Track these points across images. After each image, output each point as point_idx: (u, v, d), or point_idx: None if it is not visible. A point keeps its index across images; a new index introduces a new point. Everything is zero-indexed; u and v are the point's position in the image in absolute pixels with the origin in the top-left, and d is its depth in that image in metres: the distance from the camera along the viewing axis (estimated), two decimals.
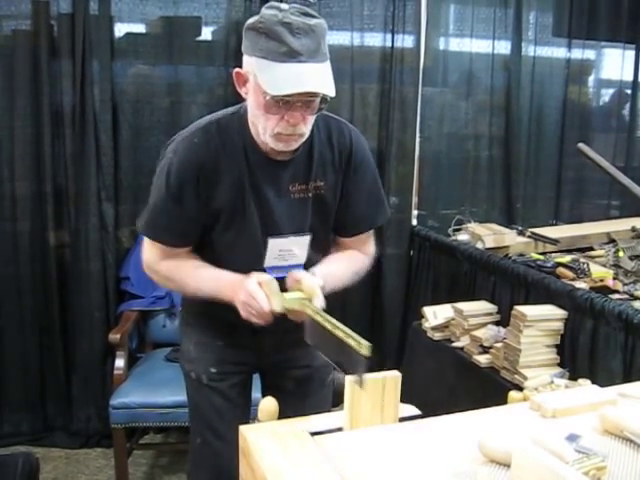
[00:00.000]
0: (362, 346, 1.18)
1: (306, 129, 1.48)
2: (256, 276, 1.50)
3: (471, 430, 1.13)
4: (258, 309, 1.47)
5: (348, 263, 1.69)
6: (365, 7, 3.28)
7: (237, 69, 1.49)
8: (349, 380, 1.16)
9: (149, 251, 1.64)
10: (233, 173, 1.54)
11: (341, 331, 1.25)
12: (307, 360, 1.77)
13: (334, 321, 1.30)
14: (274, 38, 1.36)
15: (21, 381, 3.05)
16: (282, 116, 1.42)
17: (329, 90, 1.40)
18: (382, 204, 1.74)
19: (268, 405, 1.25)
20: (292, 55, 1.35)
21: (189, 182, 1.53)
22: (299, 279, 1.50)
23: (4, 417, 3.06)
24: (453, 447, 1.08)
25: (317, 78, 1.38)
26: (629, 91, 4.01)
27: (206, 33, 3.13)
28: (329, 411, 1.88)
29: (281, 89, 1.36)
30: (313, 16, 1.40)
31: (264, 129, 1.46)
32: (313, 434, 1.12)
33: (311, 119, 1.48)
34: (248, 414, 1.82)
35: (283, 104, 1.40)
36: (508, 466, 1.00)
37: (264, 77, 1.38)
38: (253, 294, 1.46)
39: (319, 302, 1.45)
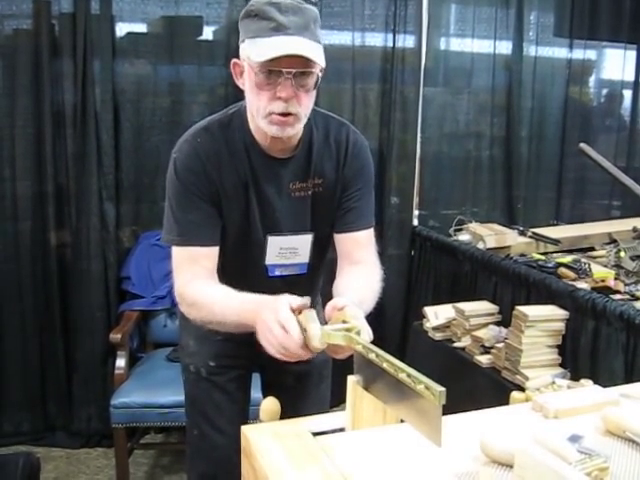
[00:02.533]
0: (435, 393, 0.93)
1: (300, 109, 1.44)
2: (287, 300, 1.28)
3: (473, 430, 1.12)
4: (290, 346, 1.23)
5: (368, 286, 1.55)
6: (366, 7, 3.28)
7: (234, 60, 1.49)
8: (351, 380, 1.15)
9: (178, 277, 1.55)
10: (236, 170, 1.54)
11: (405, 373, 1.00)
12: None
13: (395, 360, 1.05)
14: (263, 17, 1.37)
15: (22, 381, 3.04)
16: (274, 93, 1.41)
17: (315, 55, 1.38)
18: (372, 208, 1.70)
19: (270, 405, 1.25)
20: (279, 29, 1.36)
21: (197, 170, 1.52)
22: (342, 307, 1.29)
23: (5, 417, 3.05)
24: (455, 447, 1.07)
25: (303, 46, 1.37)
26: (630, 91, 4.01)
27: (207, 33, 3.13)
28: (328, 407, 1.89)
29: (267, 54, 1.36)
30: (305, 1, 1.42)
31: (257, 110, 1.45)
32: (315, 434, 1.12)
33: (305, 100, 1.45)
34: (247, 410, 1.83)
35: (273, 76, 1.39)
36: (510, 467, 0.99)
37: (253, 52, 1.39)
38: (286, 325, 1.23)
39: (367, 335, 1.23)
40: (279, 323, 1.24)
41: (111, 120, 2.95)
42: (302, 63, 1.38)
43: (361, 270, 1.60)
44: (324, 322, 1.30)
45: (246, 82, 1.46)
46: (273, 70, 1.38)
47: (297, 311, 1.26)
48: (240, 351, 1.71)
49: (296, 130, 1.49)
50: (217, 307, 1.47)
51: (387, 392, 1.07)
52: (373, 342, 1.18)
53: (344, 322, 1.25)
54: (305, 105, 1.46)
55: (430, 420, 0.95)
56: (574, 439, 1.08)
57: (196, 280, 1.52)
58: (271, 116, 1.43)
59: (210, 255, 1.55)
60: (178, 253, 1.55)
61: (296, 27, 1.37)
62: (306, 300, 1.29)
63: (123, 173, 3.05)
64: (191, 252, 1.53)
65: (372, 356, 1.10)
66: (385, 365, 1.06)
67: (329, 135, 1.61)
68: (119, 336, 2.69)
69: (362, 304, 1.42)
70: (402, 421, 1.10)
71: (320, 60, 1.39)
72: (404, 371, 1.01)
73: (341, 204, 1.63)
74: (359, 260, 1.63)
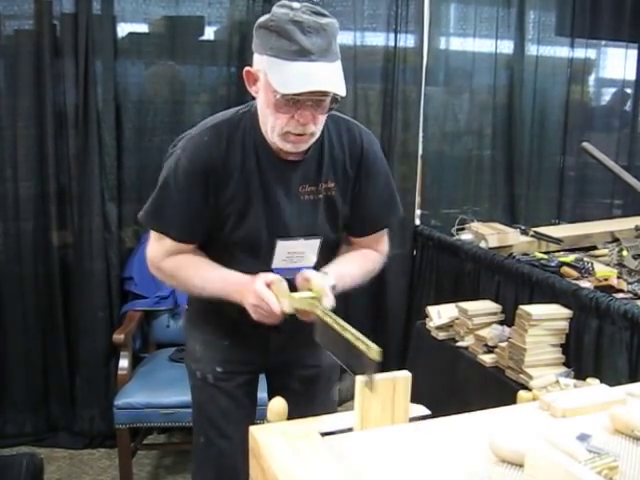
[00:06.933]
0: (371, 350, 1.15)
1: (316, 129, 1.46)
2: (263, 276, 1.49)
3: (482, 430, 1.12)
4: (268, 311, 1.46)
5: (361, 262, 1.67)
6: (368, 6, 3.29)
7: (247, 68, 1.47)
8: (359, 380, 1.15)
9: (153, 247, 1.61)
10: (243, 172, 1.53)
11: (350, 333, 1.23)
12: (314, 360, 1.76)
13: (343, 323, 1.28)
14: (285, 37, 1.35)
15: (24, 381, 3.04)
16: (292, 115, 1.41)
17: (339, 89, 1.39)
18: (395, 203, 1.72)
19: (277, 405, 1.24)
20: (303, 54, 1.34)
21: (197, 180, 1.51)
22: (308, 278, 1.49)
23: (8, 417, 3.05)
24: (464, 447, 1.07)
25: (327, 77, 1.38)
26: (631, 90, 4.02)
27: (209, 33, 3.14)
28: (335, 411, 1.88)
29: (291, 88, 1.35)
30: (324, 15, 1.39)
31: (273, 128, 1.45)
32: (323, 434, 1.12)
33: (321, 119, 1.46)
34: (254, 414, 1.82)
35: (293, 103, 1.39)
36: (520, 466, 0.99)
37: (274, 76, 1.37)
38: (262, 296, 1.46)
39: (328, 302, 1.43)
40: (259, 297, 1.46)
41: (113, 120, 2.95)
42: (323, 92, 1.39)
43: (361, 250, 1.69)
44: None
45: (261, 94, 1.46)
46: (294, 98, 1.38)
47: (271, 284, 1.48)
48: (247, 356, 1.70)
49: (309, 144, 1.50)
50: (197, 282, 1.58)
51: (337, 348, 1.30)
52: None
53: (310, 290, 1.48)
54: (320, 122, 1.47)
55: (367, 371, 1.13)
56: (583, 438, 1.08)
57: (172, 254, 1.59)
58: (287, 135, 1.44)
59: (185, 250, 1.60)
60: (154, 236, 1.61)
61: (319, 50, 1.36)
62: (276, 276, 1.50)
63: (125, 173, 3.05)
64: (164, 243, 1.58)
65: (327, 319, 1.34)
66: (336, 327, 1.29)
67: (341, 137, 1.60)
68: (122, 336, 2.69)
69: (344, 275, 1.58)
70: (411, 420, 1.10)
71: (341, 90, 1.39)
72: (349, 332, 1.24)
73: (356, 210, 1.64)
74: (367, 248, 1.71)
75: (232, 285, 1.55)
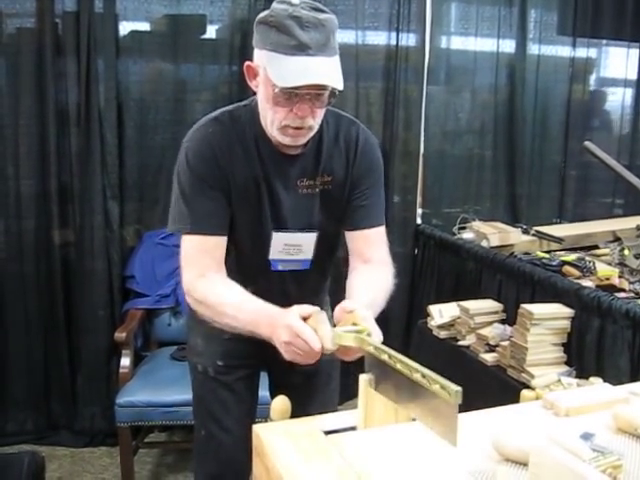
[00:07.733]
0: (451, 392, 0.93)
1: (314, 122, 1.48)
2: (298, 309, 1.33)
3: (485, 428, 1.12)
4: (306, 350, 1.28)
5: (380, 286, 1.58)
6: (370, 5, 3.28)
7: (248, 62, 1.49)
8: (362, 379, 1.15)
9: (188, 266, 1.54)
10: (247, 163, 1.54)
11: (419, 373, 1.01)
12: None
13: (407, 361, 1.06)
14: (284, 32, 1.37)
15: (26, 380, 3.04)
16: (291, 109, 1.43)
17: (336, 83, 1.40)
18: (382, 206, 1.71)
19: (280, 404, 1.25)
20: (301, 48, 1.36)
21: (209, 159, 1.52)
22: (351, 310, 1.33)
23: (9, 416, 3.05)
24: (468, 445, 1.07)
25: (325, 71, 1.39)
26: (633, 89, 4.02)
27: (211, 31, 3.13)
28: (336, 407, 1.89)
29: (289, 81, 1.37)
30: (323, 11, 1.41)
31: (272, 121, 1.47)
32: (327, 433, 1.12)
33: (320, 113, 1.48)
34: (254, 410, 1.83)
35: (292, 97, 1.41)
36: (523, 464, 1.00)
37: (273, 70, 1.39)
38: (299, 332, 1.28)
39: (377, 336, 1.28)
40: (295, 334, 1.29)
41: (115, 119, 2.95)
42: (321, 86, 1.40)
43: (372, 270, 1.62)
44: (333, 323, 1.33)
45: (260, 89, 1.47)
46: (292, 92, 1.39)
47: (307, 318, 1.31)
48: (248, 350, 1.70)
49: (308, 138, 1.52)
50: (228, 310, 1.47)
51: (399, 392, 1.08)
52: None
53: (354, 324, 1.28)
54: (319, 116, 1.49)
55: (445, 419, 0.95)
56: (586, 437, 1.08)
57: (207, 274, 1.52)
58: (286, 129, 1.46)
59: (220, 244, 1.56)
60: (189, 242, 1.54)
61: (317, 45, 1.37)
62: (314, 308, 1.33)
63: (127, 172, 3.05)
64: (202, 241, 1.53)
65: (385, 357, 1.11)
66: (399, 366, 1.07)
67: (339, 133, 1.61)
68: (124, 335, 2.69)
69: (372, 305, 1.45)
70: (414, 420, 1.10)
71: (339, 84, 1.40)
72: (418, 371, 1.01)
73: (351, 202, 1.64)
74: (370, 258, 1.64)
75: (263, 318, 1.40)
